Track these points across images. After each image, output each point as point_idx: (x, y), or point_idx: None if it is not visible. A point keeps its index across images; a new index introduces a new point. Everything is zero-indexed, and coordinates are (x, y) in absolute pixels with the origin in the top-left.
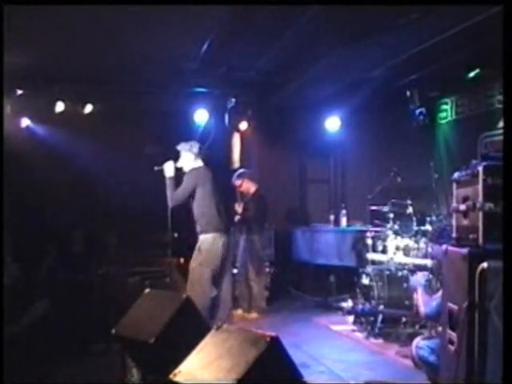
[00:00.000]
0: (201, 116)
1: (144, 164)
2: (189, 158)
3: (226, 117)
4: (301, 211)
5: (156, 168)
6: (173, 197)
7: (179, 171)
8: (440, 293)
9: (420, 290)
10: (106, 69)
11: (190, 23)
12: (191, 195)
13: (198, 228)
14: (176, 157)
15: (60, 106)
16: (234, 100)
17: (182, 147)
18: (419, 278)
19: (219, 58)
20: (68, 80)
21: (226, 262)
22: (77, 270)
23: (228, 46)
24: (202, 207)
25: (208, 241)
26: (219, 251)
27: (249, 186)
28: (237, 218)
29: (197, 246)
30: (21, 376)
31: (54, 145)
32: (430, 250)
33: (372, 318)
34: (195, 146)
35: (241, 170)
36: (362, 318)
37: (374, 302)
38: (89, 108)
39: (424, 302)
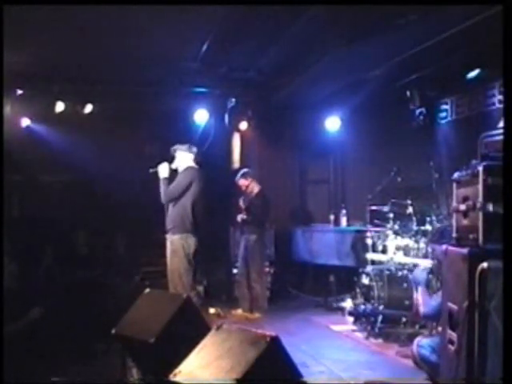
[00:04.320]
0: (201, 116)
1: (144, 164)
2: (186, 158)
3: (226, 117)
4: (301, 211)
5: (151, 170)
6: (167, 192)
7: (174, 172)
8: (440, 293)
9: (420, 289)
10: (106, 69)
11: (190, 23)
12: (184, 192)
13: (169, 225)
14: (172, 158)
15: (60, 106)
16: (234, 100)
17: (179, 147)
18: (419, 274)
19: (219, 58)
20: (68, 80)
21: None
22: (76, 270)
23: (228, 45)
24: (181, 207)
25: (178, 241)
26: (191, 250)
27: (253, 186)
28: (239, 217)
29: (168, 250)
30: (20, 376)
31: (54, 145)
32: (430, 250)
33: (372, 318)
34: (193, 148)
35: (245, 170)
36: (362, 318)
37: (374, 302)
38: (89, 108)
39: (424, 302)
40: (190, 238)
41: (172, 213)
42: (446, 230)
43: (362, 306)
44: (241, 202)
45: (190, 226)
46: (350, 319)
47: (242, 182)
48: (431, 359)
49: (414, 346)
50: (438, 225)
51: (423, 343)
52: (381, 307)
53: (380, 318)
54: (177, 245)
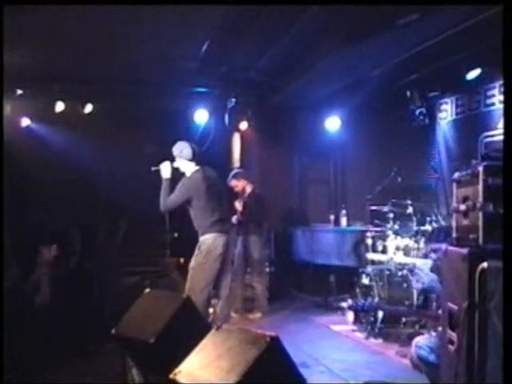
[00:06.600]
0: (201, 116)
1: (144, 164)
2: (183, 162)
3: (226, 117)
4: (301, 211)
5: (153, 169)
6: (164, 203)
7: (177, 171)
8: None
9: None
10: (106, 69)
11: (190, 23)
12: (183, 204)
13: (198, 229)
14: (174, 157)
15: (60, 106)
16: (234, 100)
17: (175, 151)
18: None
19: (219, 58)
20: (68, 80)
21: (226, 262)
22: (76, 269)
23: (228, 45)
24: (200, 212)
25: (208, 241)
26: (219, 252)
27: (244, 186)
28: (234, 218)
29: (197, 246)
30: (21, 376)
31: (54, 145)
32: (431, 249)
33: (372, 318)
34: (186, 148)
35: (235, 171)
36: (362, 318)
37: (374, 302)
38: (89, 108)
39: None
40: (218, 238)
41: (193, 215)
42: (449, 230)
43: (362, 302)
44: (236, 203)
45: (213, 227)
46: (350, 317)
47: (234, 183)
48: (430, 359)
49: (413, 347)
50: (442, 223)
51: (421, 344)
52: None
53: (380, 316)
54: (202, 245)
